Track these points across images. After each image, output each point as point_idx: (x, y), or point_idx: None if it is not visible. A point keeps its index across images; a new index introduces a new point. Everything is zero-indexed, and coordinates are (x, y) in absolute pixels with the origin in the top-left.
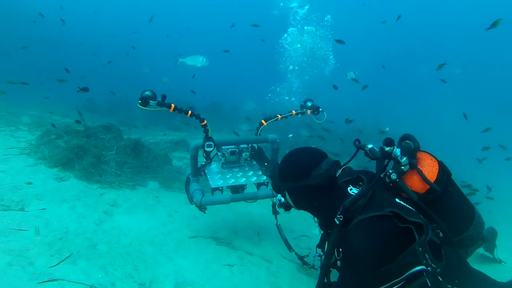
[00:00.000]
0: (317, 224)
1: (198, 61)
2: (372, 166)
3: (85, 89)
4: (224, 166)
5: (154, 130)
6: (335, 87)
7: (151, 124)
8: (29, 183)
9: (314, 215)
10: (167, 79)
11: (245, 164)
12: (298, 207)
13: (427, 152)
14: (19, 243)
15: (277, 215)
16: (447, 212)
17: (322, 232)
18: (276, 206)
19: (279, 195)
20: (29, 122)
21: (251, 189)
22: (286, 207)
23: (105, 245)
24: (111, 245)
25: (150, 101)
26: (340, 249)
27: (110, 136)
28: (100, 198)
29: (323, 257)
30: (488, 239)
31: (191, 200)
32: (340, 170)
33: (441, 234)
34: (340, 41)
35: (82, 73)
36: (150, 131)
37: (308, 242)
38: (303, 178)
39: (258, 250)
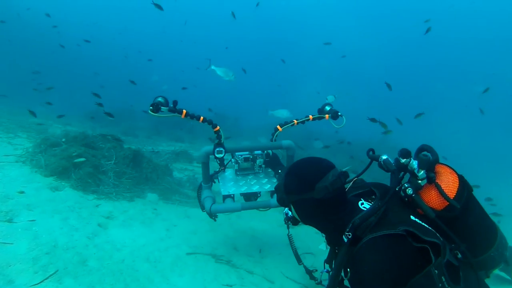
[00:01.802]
0: (324, 238)
1: (227, 74)
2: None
3: (110, 115)
4: (238, 173)
5: (156, 141)
6: (373, 119)
7: (153, 135)
8: (21, 192)
9: (321, 230)
10: (166, 87)
11: (260, 171)
12: (304, 221)
13: (446, 165)
14: (0, 258)
15: (289, 225)
16: (467, 232)
17: (329, 247)
18: (283, 220)
19: (286, 209)
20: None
21: (265, 198)
22: (294, 221)
23: (96, 261)
24: (102, 261)
25: (162, 107)
26: (348, 269)
27: (109, 146)
28: (95, 209)
29: (330, 273)
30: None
31: (202, 207)
32: (352, 182)
33: (459, 255)
34: (388, 86)
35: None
36: (152, 141)
37: (313, 260)
38: (307, 190)
39: (259, 269)
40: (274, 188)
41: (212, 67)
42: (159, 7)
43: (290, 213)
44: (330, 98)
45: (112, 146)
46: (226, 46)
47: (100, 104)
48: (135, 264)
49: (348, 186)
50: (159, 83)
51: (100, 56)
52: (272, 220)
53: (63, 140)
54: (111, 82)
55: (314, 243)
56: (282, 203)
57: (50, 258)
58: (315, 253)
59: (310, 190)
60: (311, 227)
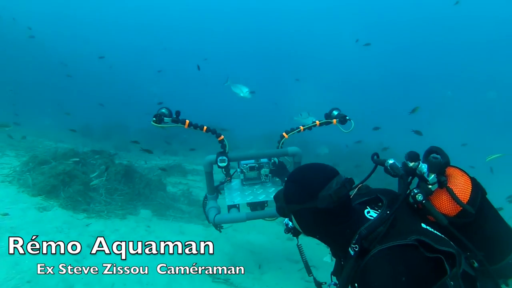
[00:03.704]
0: (329, 250)
1: (242, 91)
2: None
3: (149, 151)
4: (244, 183)
5: (150, 155)
6: (417, 132)
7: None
8: (5, 214)
9: (325, 242)
10: (157, 100)
11: (267, 180)
12: (306, 233)
13: (457, 167)
14: None
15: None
16: (482, 238)
17: (334, 259)
18: (284, 231)
19: (286, 219)
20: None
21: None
22: (294, 232)
23: (84, 287)
24: (90, 287)
25: (165, 118)
26: (356, 284)
27: (101, 162)
28: (85, 229)
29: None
30: None
31: (207, 218)
32: (356, 189)
33: (475, 264)
34: (417, 132)
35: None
36: (146, 156)
37: (315, 274)
38: (309, 199)
39: (259, 287)
40: (273, 197)
41: (229, 82)
42: (198, 67)
43: (290, 223)
44: (304, 114)
45: (103, 162)
46: (205, 58)
47: (136, 142)
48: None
49: (352, 193)
50: (155, 94)
51: (90, 70)
52: (271, 233)
53: (58, 149)
54: (104, 94)
55: (315, 255)
56: (281, 213)
57: (32, 287)
58: (317, 266)
59: (312, 199)
60: (311, 238)
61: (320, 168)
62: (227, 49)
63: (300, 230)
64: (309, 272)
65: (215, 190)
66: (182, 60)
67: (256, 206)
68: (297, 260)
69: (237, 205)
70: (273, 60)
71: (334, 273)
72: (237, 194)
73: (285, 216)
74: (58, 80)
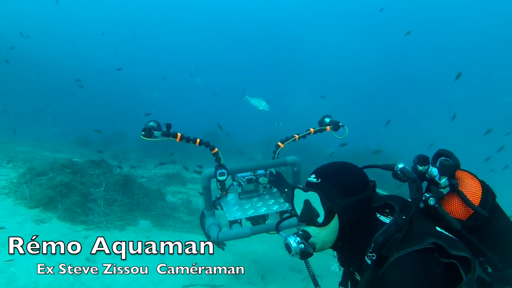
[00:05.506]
0: (336, 260)
1: (261, 104)
2: None
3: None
4: (242, 196)
5: (148, 164)
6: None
7: (145, 158)
8: (1, 228)
9: (343, 249)
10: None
11: (265, 192)
12: (341, 237)
13: (466, 170)
14: None
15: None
16: (495, 241)
17: (342, 269)
18: (293, 254)
19: (291, 238)
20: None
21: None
22: (306, 253)
23: None
24: None
25: (155, 132)
26: None
27: (99, 172)
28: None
29: None
30: None
31: (208, 236)
32: None
33: (489, 269)
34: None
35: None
36: (144, 165)
37: (320, 284)
38: (366, 189)
39: None
40: (319, 194)
41: (246, 96)
42: (220, 127)
43: (302, 244)
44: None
45: (101, 172)
46: (197, 67)
47: (171, 154)
48: None
49: None
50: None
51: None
52: (273, 242)
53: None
54: (102, 103)
55: (320, 264)
56: (331, 213)
57: None
58: (322, 275)
59: (368, 188)
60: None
61: (352, 164)
62: (225, 52)
63: (332, 237)
64: (316, 284)
65: (213, 206)
66: (181, 63)
67: (258, 220)
68: (301, 269)
69: (239, 220)
70: (272, 63)
71: (342, 283)
72: (236, 209)
73: (330, 219)
74: (53, 90)
